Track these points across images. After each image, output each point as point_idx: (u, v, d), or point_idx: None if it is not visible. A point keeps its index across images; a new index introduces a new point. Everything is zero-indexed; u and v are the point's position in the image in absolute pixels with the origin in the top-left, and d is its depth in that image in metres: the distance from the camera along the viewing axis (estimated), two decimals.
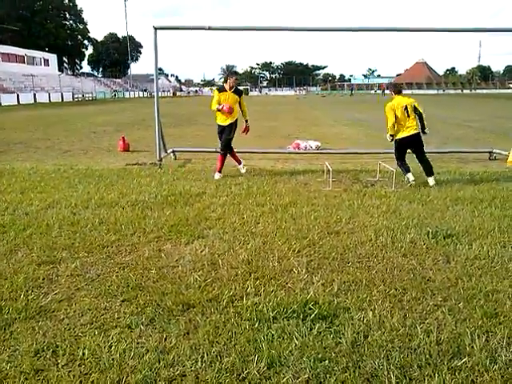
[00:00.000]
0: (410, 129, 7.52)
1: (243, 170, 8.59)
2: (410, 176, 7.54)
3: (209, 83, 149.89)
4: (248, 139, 14.38)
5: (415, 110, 7.57)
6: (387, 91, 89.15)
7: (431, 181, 7.49)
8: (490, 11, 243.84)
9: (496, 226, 5.20)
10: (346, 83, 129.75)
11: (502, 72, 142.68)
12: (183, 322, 3.18)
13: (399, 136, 7.60)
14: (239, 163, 8.61)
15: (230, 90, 8.17)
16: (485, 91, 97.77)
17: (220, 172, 8.24)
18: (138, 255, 4.41)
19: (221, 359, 2.75)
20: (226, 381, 2.56)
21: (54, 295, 3.58)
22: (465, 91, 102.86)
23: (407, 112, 7.48)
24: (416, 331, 3.03)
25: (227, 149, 8.36)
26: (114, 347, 2.87)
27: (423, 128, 7.70)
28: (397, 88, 8.02)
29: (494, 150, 10.59)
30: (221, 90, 8.30)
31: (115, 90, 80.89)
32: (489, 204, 6.17)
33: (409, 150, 7.75)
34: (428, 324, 3.13)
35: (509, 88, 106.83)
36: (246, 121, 8.53)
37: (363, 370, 2.65)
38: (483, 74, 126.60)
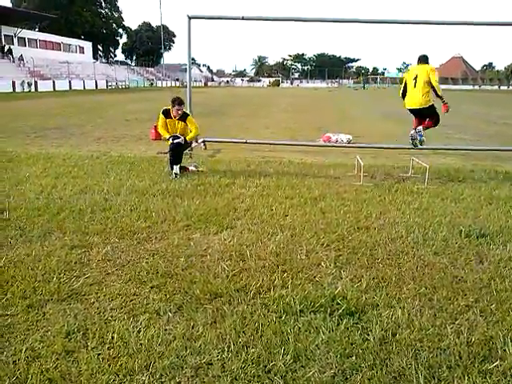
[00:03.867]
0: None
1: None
2: None
3: (240, 74, 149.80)
4: (278, 131, 14.38)
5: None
6: None
7: None
8: None
9: None
10: (378, 76, 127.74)
11: None
12: (210, 310, 3.20)
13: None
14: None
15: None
16: None
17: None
18: (167, 243, 4.45)
19: (247, 350, 2.75)
20: (251, 371, 2.56)
21: (85, 279, 3.66)
22: (502, 87, 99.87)
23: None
24: (446, 331, 2.97)
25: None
26: (142, 332, 2.92)
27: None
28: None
29: None
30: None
31: (152, 79, 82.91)
32: None
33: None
34: (459, 325, 3.07)
35: None
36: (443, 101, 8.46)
37: (390, 368, 2.62)
38: None
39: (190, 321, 3.07)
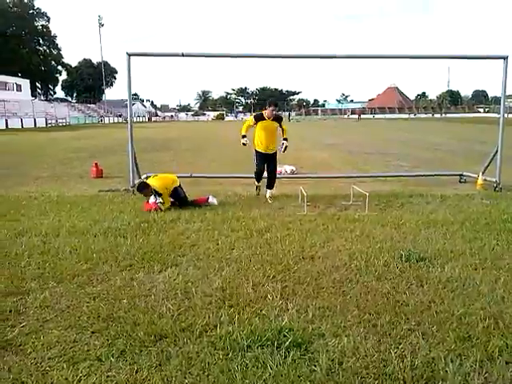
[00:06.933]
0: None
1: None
2: None
3: (185, 108, 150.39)
4: (224, 164, 14.44)
5: None
6: (363, 115, 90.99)
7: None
8: (460, 40, 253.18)
9: (467, 249, 5.28)
10: (319, 108, 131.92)
11: (470, 96, 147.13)
12: (155, 353, 3.10)
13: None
14: None
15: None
16: (454, 115, 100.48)
17: None
18: (109, 284, 4.31)
19: None
20: None
21: (21, 328, 3.47)
22: (435, 115, 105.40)
23: None
24: (390, 356, 3.02)
25: None
26: (83, 381, 2.79)
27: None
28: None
29: (464, 173, 10.83)
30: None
31: (101, 116, 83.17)
32: (460, 226, 6.27)
33: None
34: (402, 349, 3.13)
35: (477, 112, 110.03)
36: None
37: None
38: (453, 99, 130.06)
39: (134, 365, 2.96)
